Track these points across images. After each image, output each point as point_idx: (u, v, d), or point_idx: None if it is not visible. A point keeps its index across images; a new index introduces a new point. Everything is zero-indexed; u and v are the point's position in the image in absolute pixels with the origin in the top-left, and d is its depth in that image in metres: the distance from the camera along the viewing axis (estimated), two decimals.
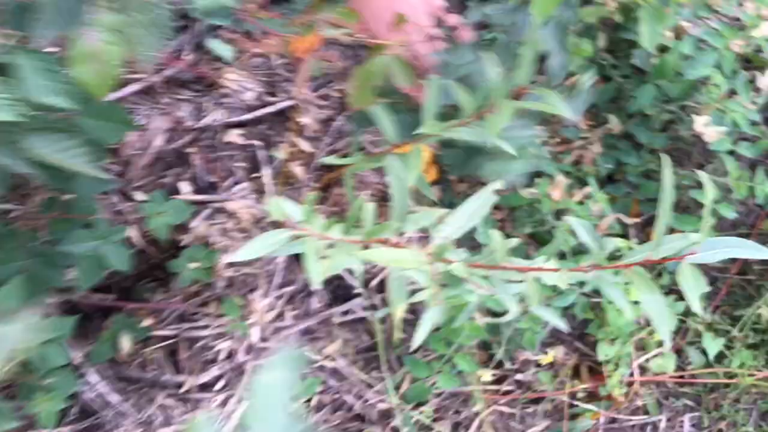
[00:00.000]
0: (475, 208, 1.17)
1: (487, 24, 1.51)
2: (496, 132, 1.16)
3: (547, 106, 1.17)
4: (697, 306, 0.81)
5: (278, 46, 1.25)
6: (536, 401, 1.86)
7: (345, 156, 1.81)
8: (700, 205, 1.71)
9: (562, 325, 1.13)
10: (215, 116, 1.98)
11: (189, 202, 1.84)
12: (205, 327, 1.73)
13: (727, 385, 1.87)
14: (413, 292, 1.14)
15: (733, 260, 1.96)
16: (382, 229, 1.14)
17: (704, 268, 2.01)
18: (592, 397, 1.86)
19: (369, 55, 1.30)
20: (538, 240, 1.86)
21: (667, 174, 0.79)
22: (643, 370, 1.83)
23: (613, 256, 0.89)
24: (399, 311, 1.12)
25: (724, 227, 1.92)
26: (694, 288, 0.80)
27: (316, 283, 0.93)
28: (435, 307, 0.97)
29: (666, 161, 0.80)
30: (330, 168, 2.08)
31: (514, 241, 1.04)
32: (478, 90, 1.25)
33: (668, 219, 0.80)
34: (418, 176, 1.37)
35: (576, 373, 1.89)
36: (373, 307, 1.86)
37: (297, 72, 1.20)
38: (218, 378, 1.75)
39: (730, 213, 1.64)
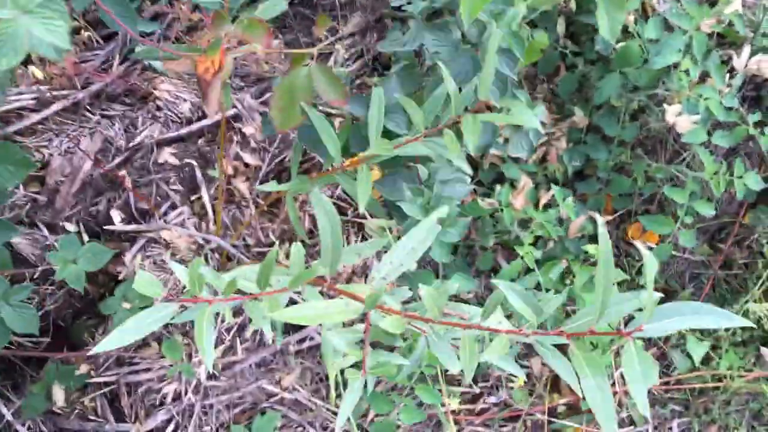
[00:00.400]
0: (417, 241, 1.03)
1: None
2: (457, 150, 1.02)
3: (511, 117, 1.03)
4: (643, 405, 0.66)
5: (187, 67, 1.09)
6: (514, 419, 1.74)
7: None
8: (675, 201, 1.57)
9: (519, 371, 0.99)
10: (149, 132, 1.82)
11: (121, 234, 1.69)
12: (147, 370, 1.58)
13: (716, 388, 1.74)
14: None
15: (717, 252, 1.82)
16: (308, 275, 0.99)
17: (686, 262, 1.88)
18: (572, 410, 1.74)
19: (291, 67, 1.14)
20: (506, 246, 1.72)
21: (604, 240, 0.65)
22: (625, 379, 1.69)
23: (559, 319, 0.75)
24: (332, 371, 0.98)
25: (706, 217, 1.78)
26: (641, 377, 0.65)
27: (209, 365, 0.79)
28: (358, 379, 0.83)
29: (603, 235, 0.65)
30: (279, 180, 1.92)
31: (454, 287, 0.89)
32: (430, 102, 1.11)
33: (609, 288, 0.66)
34: (371, 201, 1.22)
35: (554, 386, 1.76)
36: None
37: (204, 96, 1.04)
38: (167, 422, 1.61)
39: (708, 210, 1.50)
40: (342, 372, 1.06)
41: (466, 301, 1.70)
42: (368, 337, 0.88)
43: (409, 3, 1.50)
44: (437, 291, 0.84)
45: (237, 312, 1.64)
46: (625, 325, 0.69)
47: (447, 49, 1.37)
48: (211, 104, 1.08)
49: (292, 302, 1.05)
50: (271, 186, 1.56)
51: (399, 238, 1.63)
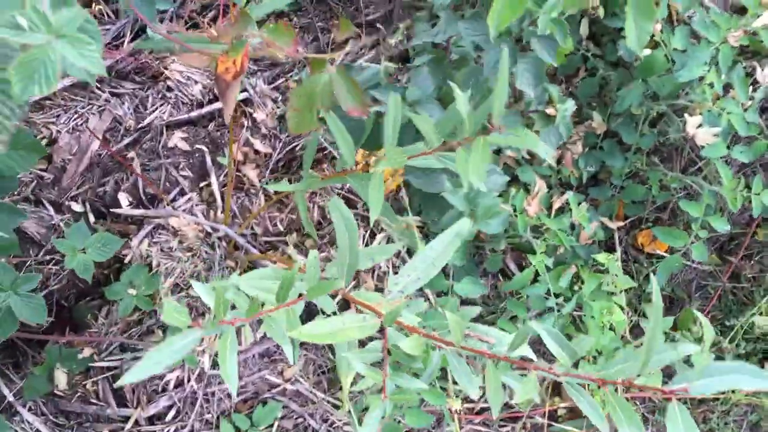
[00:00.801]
0: (437, 254, 1.01)
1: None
2: (467, 173, 0.99)
3: (521, 141, 1.00)
4: None
5: (203, 63, 1.06)
6: (513, 420, 1.74)
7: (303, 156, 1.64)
8: (690, 214, 1.56)
9: (537, 397, 0.99)
10: (159, 114, 1.79)
11: (128, 217, 1.67)
12: None
13: (716, 399, 1.75)
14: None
15: (725, 263, 1.82)
16: (325, 288, 0.97)
17: (694, 271, 1.87)
18: (573, 414, 1.74)
19: (310, 72, 1.12)
20: (516, 248, 1.71)
21: (656, 297, 0.63)
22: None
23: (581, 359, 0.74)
24: (346, 383, 0.97)
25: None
26: None
27: (234, 390, 0.78)
28: (379, 405, 0.82)
29: (656, 292, 0.63)
30: (288, 168, 1.90)
31: (476, 310, 0.88)
32: (445, 117, 1.08)
33: (655, 341, 0.65)
34: (382, 207, 1.19)
35: (555, 389, 1.77)
36: None
37: (222, 96, 1.02)
38: (168, 408, 1.61)
39: (723, 226, 1.48)
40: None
41: (473, 303, 1.69)
42: (387, 359, 0.87)
43: None
44: (460, 315, 0.83)
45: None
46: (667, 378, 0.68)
47: (482, 38, 1.33)
48: (229, 105, 1.06)
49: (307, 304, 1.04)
50: (280, 186, 1.53)
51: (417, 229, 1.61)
